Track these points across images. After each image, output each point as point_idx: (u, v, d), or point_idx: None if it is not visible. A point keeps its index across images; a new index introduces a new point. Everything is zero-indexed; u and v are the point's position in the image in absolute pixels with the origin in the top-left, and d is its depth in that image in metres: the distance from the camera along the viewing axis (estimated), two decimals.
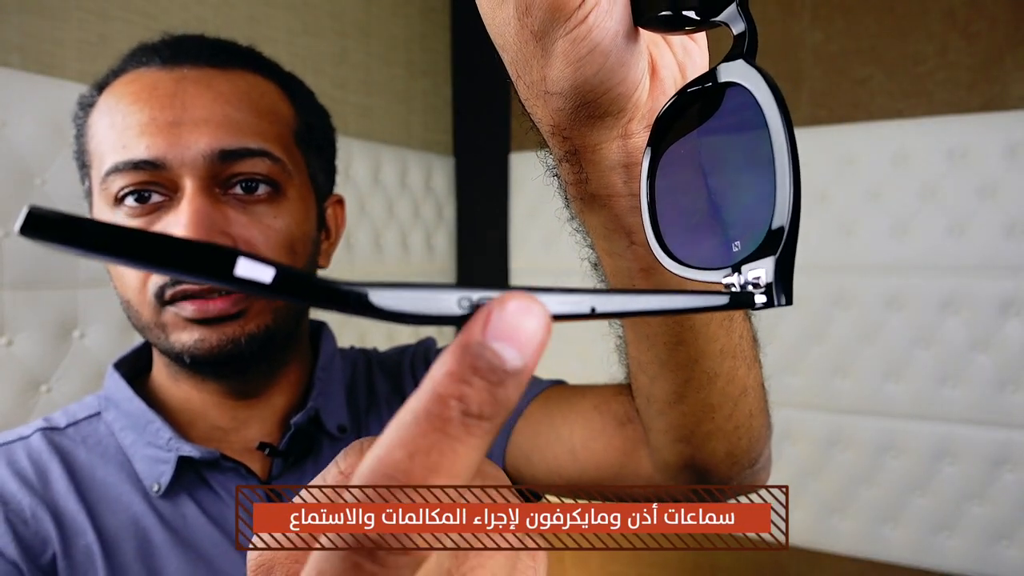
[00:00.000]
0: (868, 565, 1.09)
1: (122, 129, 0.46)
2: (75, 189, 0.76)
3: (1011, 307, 0.98)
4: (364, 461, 0.15)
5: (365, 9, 1.19)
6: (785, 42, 1.12)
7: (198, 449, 0.48)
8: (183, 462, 0.48)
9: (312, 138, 0.53)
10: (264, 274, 0.14)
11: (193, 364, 0.48)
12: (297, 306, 0.53)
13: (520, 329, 0.15)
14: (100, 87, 0.49)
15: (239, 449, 0.52)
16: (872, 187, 1.07)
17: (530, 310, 0.15)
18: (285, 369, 0.54)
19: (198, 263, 0.13)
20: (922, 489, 1.05)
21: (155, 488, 0.47)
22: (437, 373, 0.14)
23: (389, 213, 1.23)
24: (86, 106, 0.50)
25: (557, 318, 0.16)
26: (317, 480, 0.18)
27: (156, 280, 0.46)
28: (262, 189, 0.48)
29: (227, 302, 0.46)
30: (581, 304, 0.17)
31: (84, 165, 0.51)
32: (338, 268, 0.72)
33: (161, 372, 0.52)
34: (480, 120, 1.39)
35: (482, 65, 1.38)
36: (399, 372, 0.61)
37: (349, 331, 1.13)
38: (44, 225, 0.13)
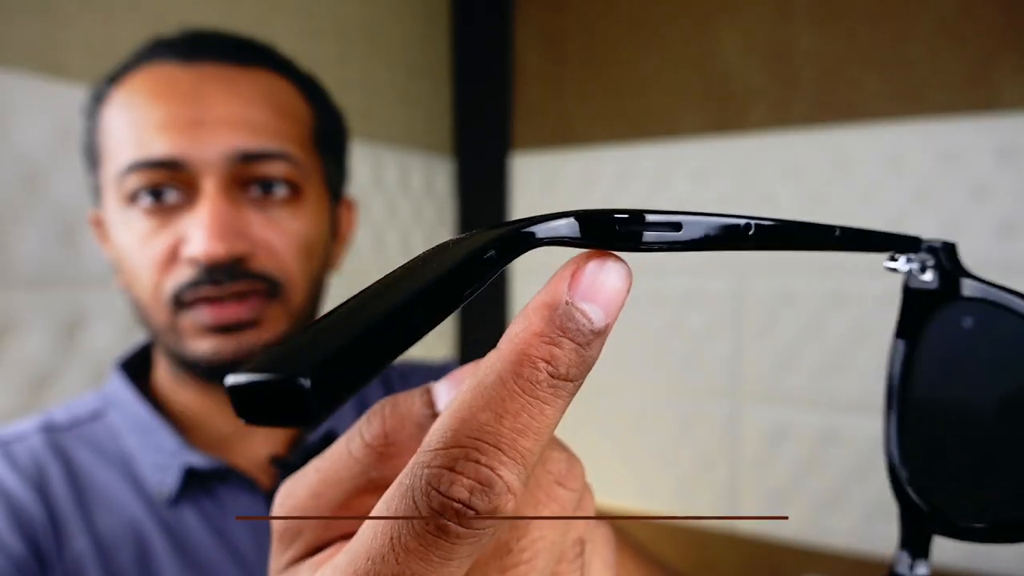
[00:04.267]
0: (862, 560, 1.10)
1: (140, 126, 0.45)
2: (82, 192, 0.77)
3: None
4: (441, 423, 0.14)
5: (366, 12, 1.20)
6: (781, 45, 1.14)
7: (205, 459, 0.47)
8: (189, 471, 0.47)
9: (328, 139, 0.53)
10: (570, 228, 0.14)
11: (208, 372, 0.47)
12: (312, 311, 0.52)
13: (605, 288, 0.14)
14: (113, 80, 0.48)
15: (244, 459, 0.51)
16: (866, 189, 1.08)
17: (613, 269, 0.14)
18: None
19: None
20: None
21: (160, 495, 0.46)
22: (523, 334, 0.14)
23: (391, 214, 1.24)
24: (98, 99, 0.49)
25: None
26: (338, 450, 0.17)
27: (173, 282, 0.45)
28: (280, 191, 0.48)
29: (244, 308, 0.45)
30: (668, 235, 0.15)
31: (94, 160, 0.49)
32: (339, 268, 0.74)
33: (165, 374, 0.51)
34: (481, 121, 1.40)
35: (483, 67, 1.39)
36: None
37: None
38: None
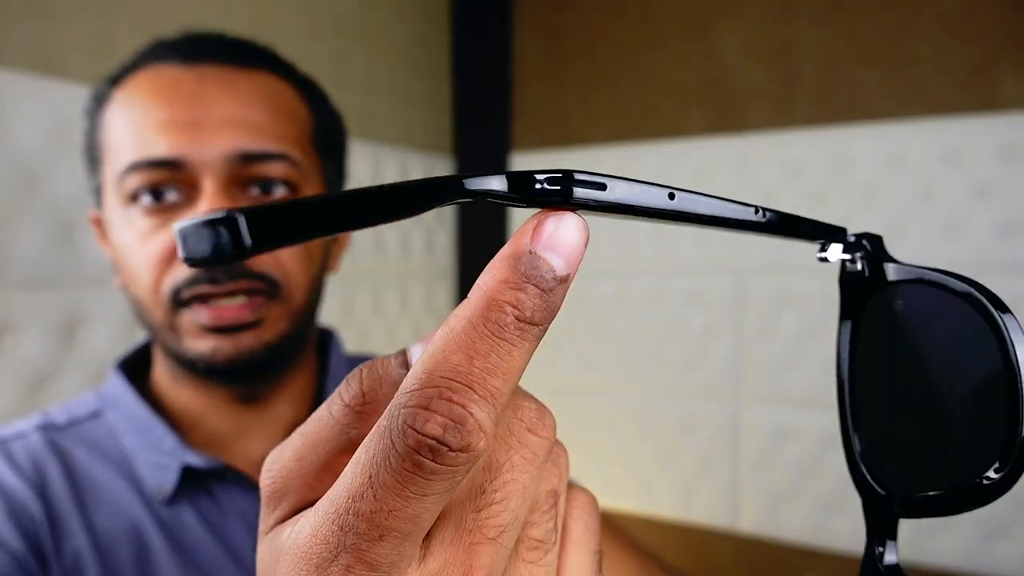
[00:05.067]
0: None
1: (141, 126, 0.45)
2: (80, 191, 0.77)
3: None
4: (416, 367, 0.15)
5: (366, 11, 1.20)
6: (782, 44, 1.13)
7: (202, 458, 0.47)
8: (186, 470, 0.47)
9: (327, 140, 0.53)
10: (491, 183, 0.15)
11: (207, 371, 0.47)
12: (312, 311, 0.52)
13: (564, 239, 0.15)
14: (114, 81, 0.48)
15: (242, 458, 0.51)
16: (869, 188, 1.08)
17: (571, 222, 0.16)
18: (292, 376, 0.53)
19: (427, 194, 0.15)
20: None
21: (158, 494, 0.46)
22: (490, 281, 0.15)
23: None
24: (99, 100, 0.49)
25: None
26: (320, 414, 0.18)
27: (172, 281, 0.45)
28: (279, 191, 0.48)
29: (244, 309, 0.46)
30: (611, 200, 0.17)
31: (95, 160, 0.49)
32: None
33: (163, 373, 0.51)
34: (480, 120, 1.40)
35: (483, 67, 1.39)
36: None
37: (349, 333, 1.14)
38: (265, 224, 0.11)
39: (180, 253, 0.12)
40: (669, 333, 1.22)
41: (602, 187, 0.16)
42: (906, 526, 1.07)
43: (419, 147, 1.32)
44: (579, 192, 0.16)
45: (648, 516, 1.26)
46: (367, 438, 0.15)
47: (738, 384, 1.18)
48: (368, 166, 1.19)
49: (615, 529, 0.54)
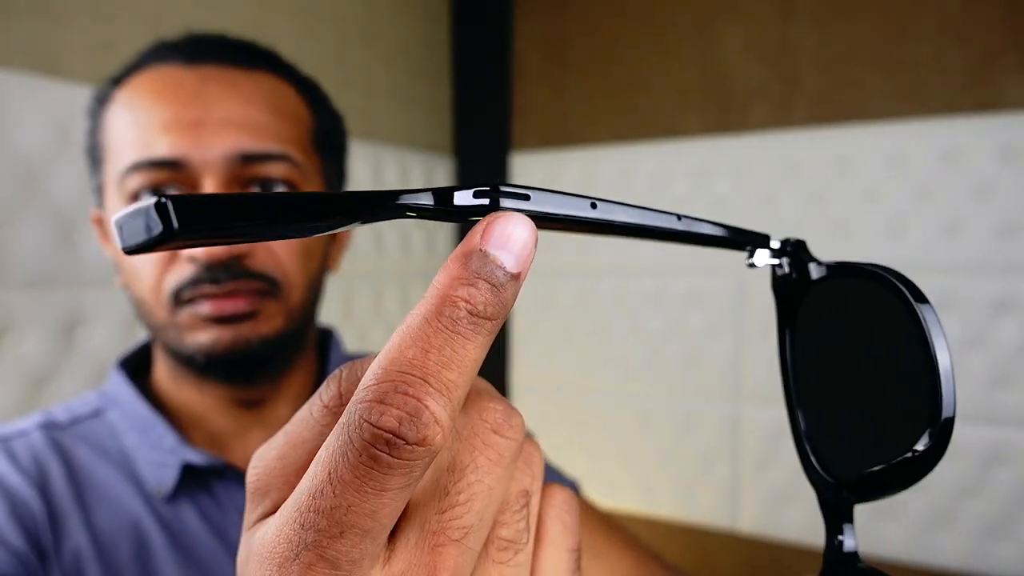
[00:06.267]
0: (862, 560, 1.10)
1: (144, 126, 0.46)
2: (80, 191, 0.77)
3: (1004, 307, 0.99)
4: (375, 364, 0.15)
5: (367, 13, 1.20)
6: (783, 44, 1.13)
7: (203, 456, 0.47)
8: (187, 468, 0.47)
9: (328, 141, 0.54)
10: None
11: (206, 365, 0.47)
12: (310, 309, 0.53)
13: (513, 238, 0.16)
14: (116, 81, 0.49)
15: (242, 457, 0.51)
16: (868, 188, 1.08)
17: (519, 222, 0.16)
18: (291, 376, 0.53)
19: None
20: (918, 487, 1.07)
21: (159, 491, 0.47)
22: (443, 279, 0.16)
23: None
24: (102, 100, 0.49)
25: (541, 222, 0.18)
26: (302, 414, 0.18)
27: (173, 280, 0.46)
28: (280, 191, 0.48)
29: (243, 302, 0.46)
30: (571, 206, 0.18)
31: (97, 160, 0.50)
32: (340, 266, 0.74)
33: (164, 372, 0.52)
34: (480, 121, 1.40)
35: (483, 67, 1.39)
36: None
37: (349, 333, 1.14)
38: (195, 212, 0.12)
39: (117, 243, 0.12)
40: (669, 333, 1.22)
41: (526, 198, 0.17)
42: (906, 526, 1.07)
43: (419, 147, 1.32)
44: (505, 203, 0.17)
45: (648, 516, 1.26)
46: (329, 435, 0.16)
47: (738, 384, 1.18)
48: (368, 166, 1.19)
49: (613, 527, 0.54)
